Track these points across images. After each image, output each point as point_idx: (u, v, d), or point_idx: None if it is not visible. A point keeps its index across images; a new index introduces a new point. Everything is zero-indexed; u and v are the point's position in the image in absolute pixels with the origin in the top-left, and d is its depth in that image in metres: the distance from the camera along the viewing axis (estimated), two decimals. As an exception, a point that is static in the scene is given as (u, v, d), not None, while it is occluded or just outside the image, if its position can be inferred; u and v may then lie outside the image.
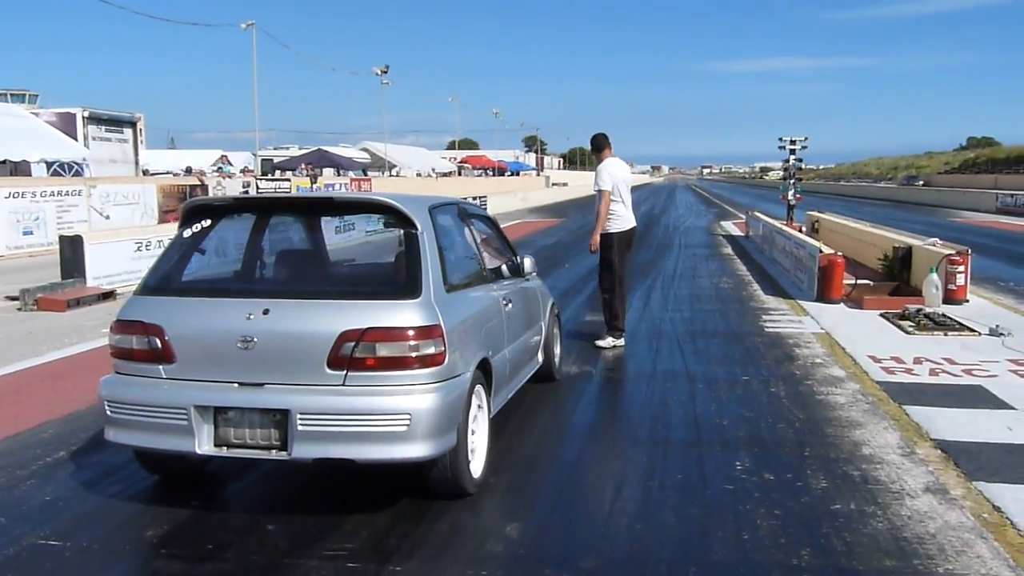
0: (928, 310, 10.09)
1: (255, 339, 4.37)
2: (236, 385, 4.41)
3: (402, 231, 4.74)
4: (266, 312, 4.42)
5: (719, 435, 5.81)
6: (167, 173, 28.79)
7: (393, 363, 4.30)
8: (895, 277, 12.53)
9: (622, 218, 8.66)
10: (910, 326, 9.48)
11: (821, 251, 11.64)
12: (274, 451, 4.32)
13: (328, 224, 6.48)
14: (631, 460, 5.35)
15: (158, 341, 4.55)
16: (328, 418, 4.25)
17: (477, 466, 4.84)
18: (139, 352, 4.60)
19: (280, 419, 4.30)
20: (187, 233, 5.04)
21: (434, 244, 4.75)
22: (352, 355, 4.28)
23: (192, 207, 5.16)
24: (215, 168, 30.52)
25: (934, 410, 6.28)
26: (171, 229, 16.35)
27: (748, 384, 7.18)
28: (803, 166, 24.02)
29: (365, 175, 40.21)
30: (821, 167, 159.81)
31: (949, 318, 9.72)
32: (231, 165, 30.18)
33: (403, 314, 4.37)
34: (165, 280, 4.89)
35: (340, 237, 11.57)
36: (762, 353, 8.44)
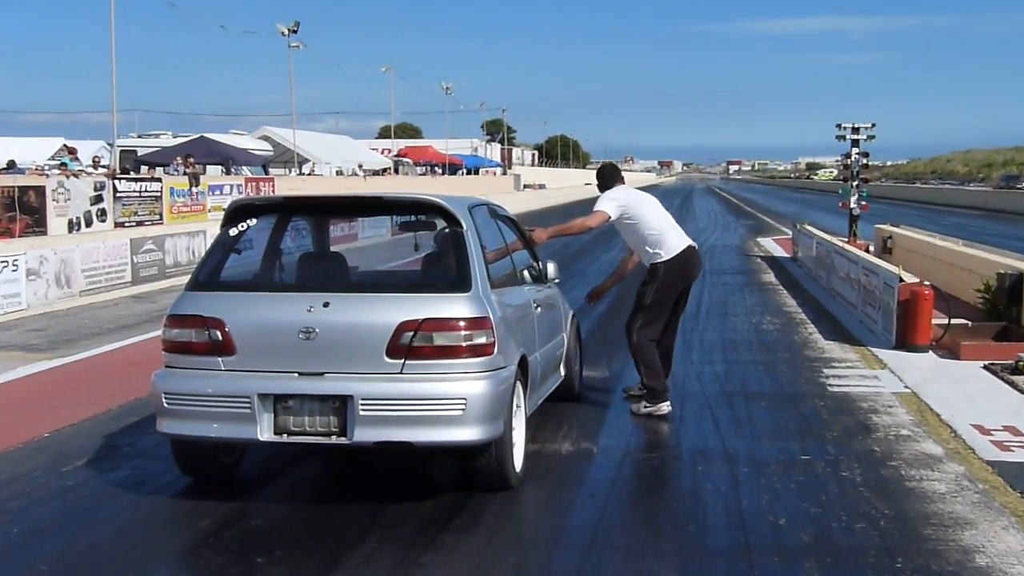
0: (1050, 361, 10.15)
1: (316, 330, 6.03)
2: (296, 375, 6.09)
3: (448, 229, 6.55)
4: (326, 305, 6.10)
5: (775, 540, 5.76)
6: (-10, 170, 28.41)
7: (448, 352, 6.04)
8: (1001, 315, 12.64)
9: (665, 244, 8.70)
10: (1027, 383, 9.54)
11: (901, 279, 11.71)
12: (334, 437, 6.00)
13: None
14: (654, 577, 5.27)
15: (219, 334, 6.18)
16: (389, 403, 5.94)
17: (517, 460, 6.58)
18: (198, 345, 6.24)
19: (339, 406, 5.97)
20: (233, 231, 6.78)
21: (477, 242, 6.52)
22: (411, 344, 5.99)
23: (238, 206, 7.01)
24: (56, 163, 30.19)
25: (1070, 502, 6.29)
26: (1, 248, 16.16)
27: (810, 466, 7.16)
28: (868, 163, 24.38)
29: (266, 172, 39.98)
30: (889, 163, 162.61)
31: (1079, 372, 9.78)
32: (77, 159, 29.83)
33: (456, 306, 6.12)
34: (216, 276, 6.65)
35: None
36: (826, 422, 8.44)
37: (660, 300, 8.68)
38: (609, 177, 9.09)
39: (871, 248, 21.09)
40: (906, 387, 9.70)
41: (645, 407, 8.59)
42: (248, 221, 6.87)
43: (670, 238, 8.75)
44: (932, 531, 5.85)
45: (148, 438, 7.95)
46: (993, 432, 7.95)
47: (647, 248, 8.73)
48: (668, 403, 8.63)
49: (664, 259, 8.64)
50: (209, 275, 6.67)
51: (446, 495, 6.44)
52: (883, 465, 7.17)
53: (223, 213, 7.17)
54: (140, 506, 6.50)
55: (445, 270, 6.56)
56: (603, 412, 8.84)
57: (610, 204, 8.76)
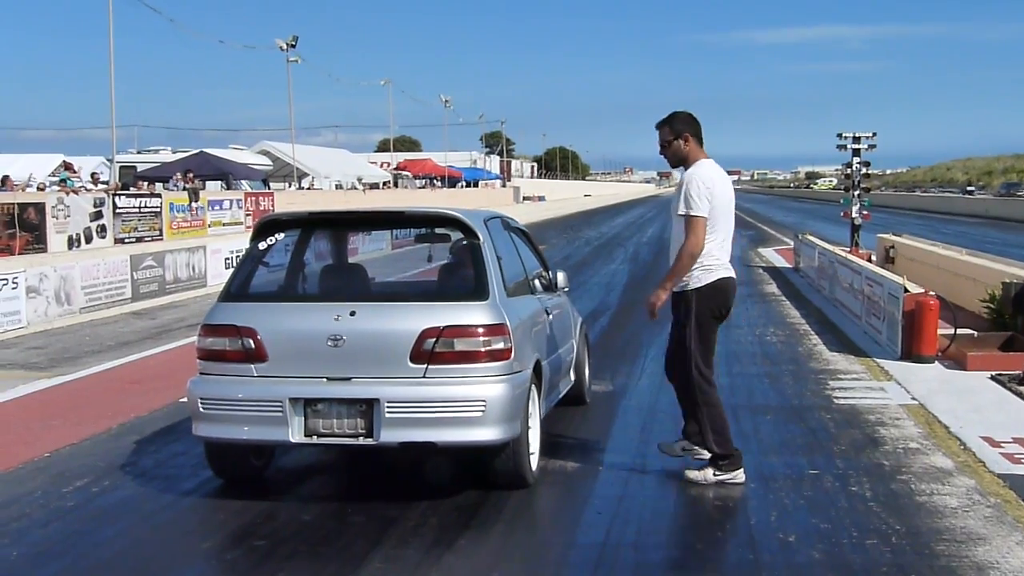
0: (1057, 371, 10.10)
1: (344, 338, 6.43)
2: (325, 380, 6.49)
3: (466, 241, 7.00)
4: (353, 314, 6.51)
5: (786, 558, 5.70)
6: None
7: (468, 356, 6.44)
8: (1007, 325, 12.59)
9: (712, 266, 6.90)
10: (1035, 394, 9.48)
11: (906, 290, 11.66)
12: (361, 438, 6.40)
13: None
14: (664, 597, 5.22)
15: (251, 342, 6.58)
16: (413, 406, 6.34)
17: (533, 460, 6.96)
18: (232, 353, 6.65)
19: (366, 409, 6.37)
20: (262, 245, 7.23)
21: (494, 253, 6.94)
22: (433, 349, 6.39)
23: (267, 221, 7.49)
24: (56, 179, 30.17)
25: (1084, 516, 6.23)
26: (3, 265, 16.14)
27: (818, 481, 7.10)
28: (869, 171, 24.37)
29: (266, 187, 39.99)
30: (889, 172, 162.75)
31: (1087, 382, 9.73)
32: (76, 175, 29.81)
33: (475, 314, 6.54)
34: (247, 287, 7.08)
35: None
36: (834, 436, 8.39)
37: (703, 330, 6.94)
38: (689, 130, 7.00)
39: (873, 258, 21.05)
40: (913, 399, 9.64)
41: (715, 474, 6.95)
42: (276, 235, 7.30)
43: (716, 264, 6.92)
44: (945, 547, 5.79)
45: (149, 457, 7.91)
46: (1003, 444, 7.89)
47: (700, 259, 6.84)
48: (742, 470, 7.03)
49: (693, 287, 6.85)
50: (240, 286, 7.06)
51: (451, 513, 6.41)
52: (893, 479, 7.11)
53: (252, 228, 7.60)
54: (142, 526, 6.44)
55: (464, 280, 6.97)
56: (608, 428, 8.78)
57: (703, 201, 6.77)
